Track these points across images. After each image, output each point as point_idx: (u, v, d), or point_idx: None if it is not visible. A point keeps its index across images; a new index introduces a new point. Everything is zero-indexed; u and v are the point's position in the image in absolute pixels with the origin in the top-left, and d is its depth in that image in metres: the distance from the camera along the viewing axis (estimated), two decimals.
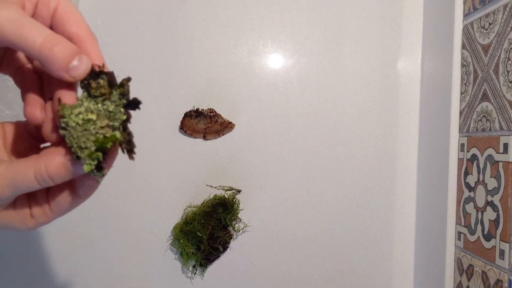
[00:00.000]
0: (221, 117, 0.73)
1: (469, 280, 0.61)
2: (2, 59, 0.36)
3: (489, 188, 0.57)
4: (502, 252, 0.54)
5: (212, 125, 0.73)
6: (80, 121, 0.32)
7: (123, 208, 0.74)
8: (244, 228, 0.75)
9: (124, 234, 0.74)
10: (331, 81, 0.76)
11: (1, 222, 0.33)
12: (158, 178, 0.74)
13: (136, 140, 0.76)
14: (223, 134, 0.74)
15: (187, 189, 0.74)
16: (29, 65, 0.36)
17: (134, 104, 0.33)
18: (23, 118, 0.35)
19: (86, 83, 0.32)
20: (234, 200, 0.73)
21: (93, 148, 0.32)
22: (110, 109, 0.33)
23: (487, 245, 0.57)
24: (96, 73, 0.33)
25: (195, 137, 0.74)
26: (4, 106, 0.69)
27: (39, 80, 0.35)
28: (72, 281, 0.73)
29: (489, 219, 0.57)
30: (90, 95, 0.33)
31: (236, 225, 0.74)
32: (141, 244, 0.74)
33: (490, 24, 0.58)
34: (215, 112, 0.73)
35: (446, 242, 0.65)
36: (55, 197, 0.34)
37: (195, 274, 0.75)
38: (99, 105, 0.32)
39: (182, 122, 0.72)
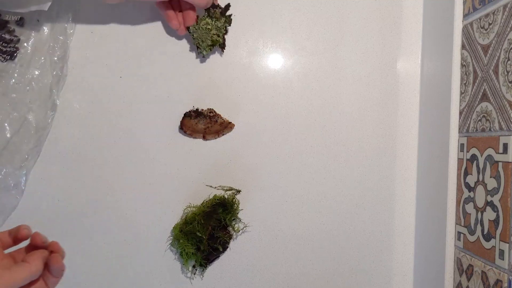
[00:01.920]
0: (221, 117, 0.73)
1: (468, 280, 0.61)
2: None
3: (489, 188, 0.57)
4: (501, 252, 0.54)
5: (211, 125, 0.73)
6: (204, 27, 0.68)
7: (123, 208, 0.74)
8: (244, 228, 0.75)
9: (124, 234, 0.74)
10: (331, 81, 0.76)
11: None
12: (158, 178, 0.74)
13: (135, 140, 0.77)
14: (223, 134, 0.74)
15: (186, 189, 0.74)
16: None
17: (226, 9, 0.70)
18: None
19: (207, 9, 0.68)
20: (233, 200, 0.73)
21: (209, 43, 0.69)
22: (219, 25, 0.69)
23: (487, 245, 0.57)
24: (214, 5, 0.69)
25: (194, 137, 0.74)
26: (11, 107, 0.67)
27: (169, 3, 0.67)
28: (71, 281, 0.73)
29: (489, 219, 0.57)
30: (209, 16, 0.68)
31: (236, 225, 0.74)
32: (141, 244, 0.74)
33: (489, 24, 0.58)
34: (215, 112, 0.73)
35: (445, 242, 0.65)
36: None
37: (194, 274, 0.75)
38: (213, 22, 0.68)
39: (181, 122, 0.72)
